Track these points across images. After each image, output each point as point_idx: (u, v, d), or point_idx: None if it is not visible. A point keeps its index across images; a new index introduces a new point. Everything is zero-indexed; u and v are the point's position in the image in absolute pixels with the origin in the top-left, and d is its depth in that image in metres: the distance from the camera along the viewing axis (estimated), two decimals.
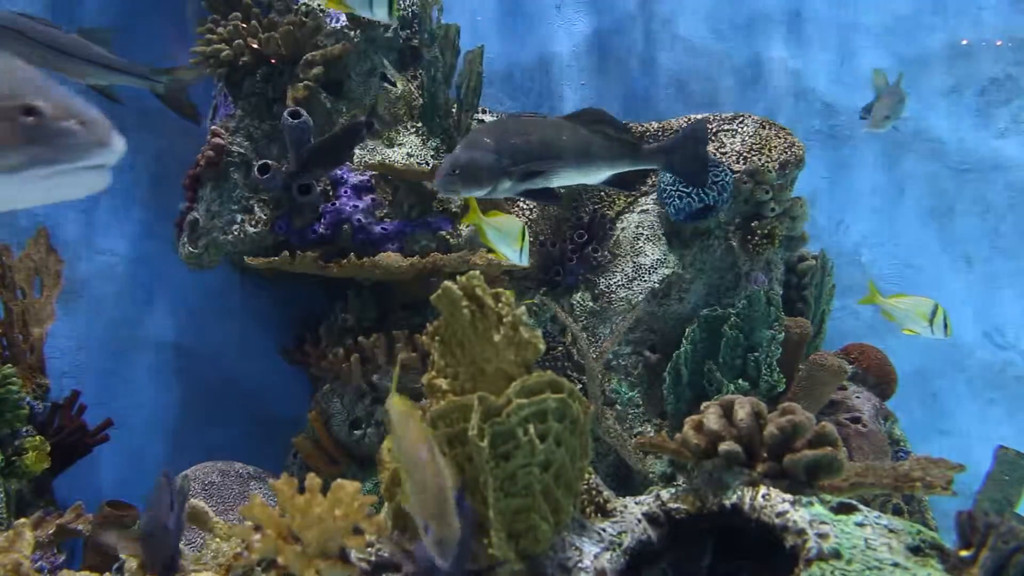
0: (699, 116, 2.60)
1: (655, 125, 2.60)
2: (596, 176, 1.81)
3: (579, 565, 1.18)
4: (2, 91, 0.78)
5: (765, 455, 1.31)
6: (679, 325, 2.40)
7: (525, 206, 2.52)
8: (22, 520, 1.49)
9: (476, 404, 1.09)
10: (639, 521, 1.32)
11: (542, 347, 1.18)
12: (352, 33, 2.37)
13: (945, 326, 2.31)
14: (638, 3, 2.98)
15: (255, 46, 2.27)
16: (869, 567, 1.09)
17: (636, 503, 1.37)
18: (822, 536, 1.15)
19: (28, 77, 0.79)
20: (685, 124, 2.58)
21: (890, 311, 2.34)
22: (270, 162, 2.24)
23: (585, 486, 1.34)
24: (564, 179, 1.79)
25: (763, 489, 1.26)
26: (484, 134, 1.70)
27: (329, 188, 2.32)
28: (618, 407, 2.35)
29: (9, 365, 2.09)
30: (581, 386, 2.22)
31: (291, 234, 2.30)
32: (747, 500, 1.26)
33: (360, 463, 2.34)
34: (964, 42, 2.97)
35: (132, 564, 1.37)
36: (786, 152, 2.47)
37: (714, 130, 2.54)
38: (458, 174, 1.66)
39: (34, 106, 0.78)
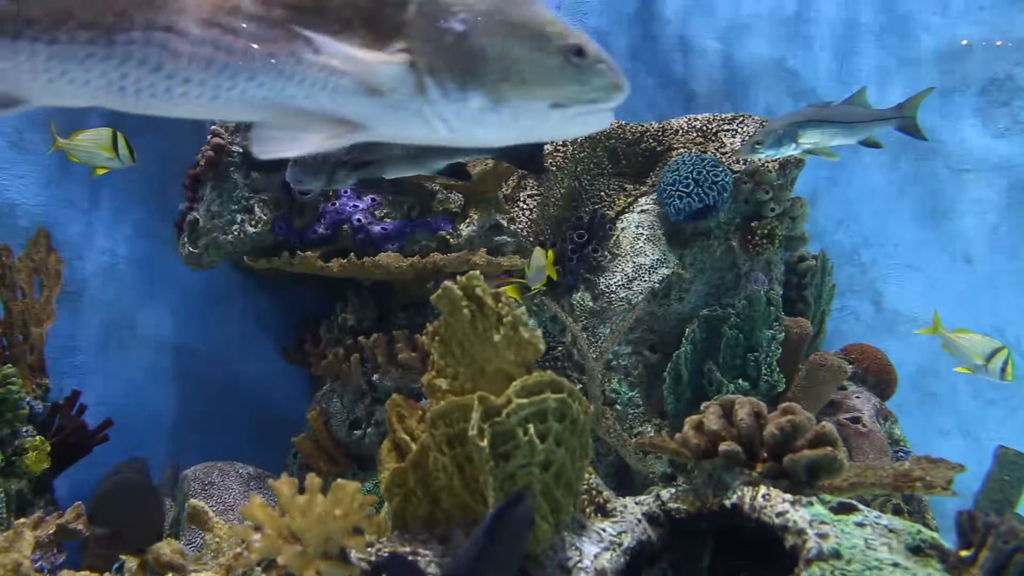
0: (700, 115, 2.60)
1: (655, 125, 2.60)
2: (429, 166, 1.87)
3: (579, 565, 1.18)
4: (557, 30, 0.83)
5: (765, 455, 1.31)
6: (679, 325, 2.40)
7: (525, 206, 2.52)
8: (22, 520, 1.49)
9: (476, 404, 1.09)
10: (639, 521, 1.32)
11: (542, 347, 1.18)
12: None
13: (1004, 369, 2.27)
14: (638, 3, 2.99)
15: None
16: (869, 567, 1.09)
17: (636, 503, 1.37)
18: (822, 536, 1.15)
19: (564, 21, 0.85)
20: (685, 123, 2.58)
21: (951, 345, 2.33)
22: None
23: (585, 486, 1.34)
24: (398, 170, 1.84)
25: (763, 489, 1.26)
26: None
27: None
28: (618, 407, 2.35)
29: (9, 365, 2.09)
30: (581, 386, 2.22)
31: (291, 234, 2.30)
32: (747, 500, 1.26)
33: (360, 463, 2.35)
34: (964, 42, 2.97)
35: (132, 564, 1.37)
36: None
37: (714, 130, 2.54)
38: (299, 167, 1.76)
39: (581, 47, 0.84)
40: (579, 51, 0.84)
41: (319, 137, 0.82)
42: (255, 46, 0.76)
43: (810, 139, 1.99)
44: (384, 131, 0.84)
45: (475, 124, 0.83)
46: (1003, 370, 2.27)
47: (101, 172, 2.17)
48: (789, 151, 2.03)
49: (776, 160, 2.44)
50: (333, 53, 0.75)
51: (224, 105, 0.81)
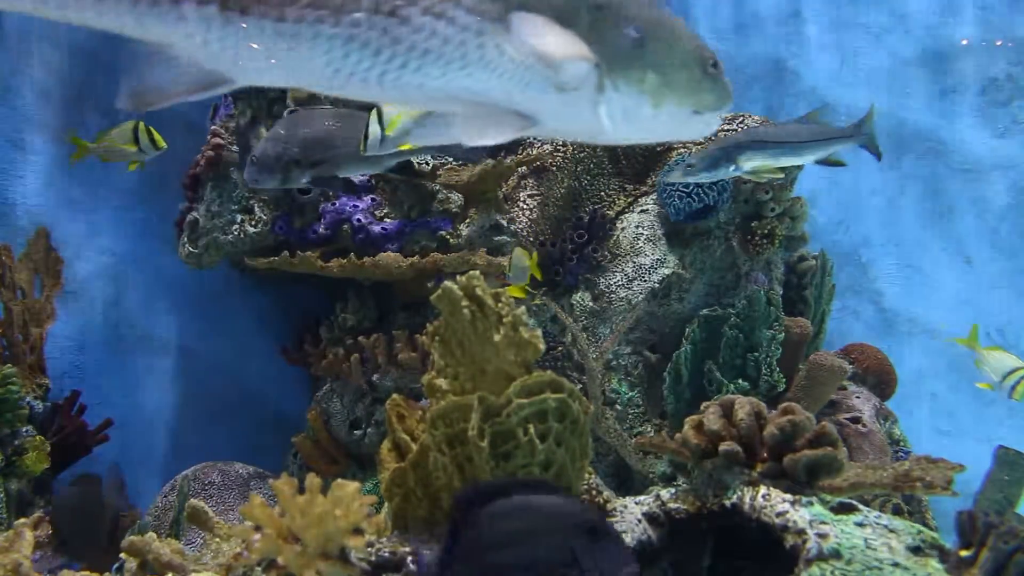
0: None
1: None
2: (381, 164, 1.90)
3: None
4: (700, 43, 0.92)
5: (765, 455, 1.31)
6: (679, 325, 2.39)
7: (525, 206, 2.52)
8: (22, 520, 1.49)
9: (476, 404, 1.09)
10: (639, 521, 1.32)
11: (542, 347, 1.18)
12: None
13: (1015, 388, 2.28)
14: None
15: (255, 46, 2.27)
16: (869, 567, 1.09)
17: (636, 503, 1.37)
18: (822, 536, 1.15)
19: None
20: None
21: (980, 360, 2.35)
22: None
23: (585, 486, 1.34)
24: (351, 168, 1.89)
25: (763, 489, 1.26)
26: (280, 126, 1.81)
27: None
28: (618, 407, 2.35)
29: (9, 365, 2.09)
30: (581, 386, 2.22)
31: (291, 234, 2.30)
32: (747, 500, 1.26)
33: (360, 463, 2.35)
34: (964, 42, 2.97)
35: (132, 564, 1.37)
36: None
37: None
38: (255, 166, 1.78)
39: (716, 60, 0.93)
40: (715, 64, 0.93)
41: (498, 130, 0.87)
42: (470, 37, 0.78)
43: (751, 161, 1.89)
44: (552, 126, 0.89)
45: (634, 124, 0.89)
46: (1014, 388, 2.28)
47: (134, 168, 2.17)
48: (728, 174, 1.93)
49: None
50: (547, 41, 0.78)
51: (426, 93, 0.83)
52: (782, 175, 2.01)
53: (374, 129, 1.73)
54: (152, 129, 2.17)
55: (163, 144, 2.18)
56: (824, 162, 2.01)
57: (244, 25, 0.74)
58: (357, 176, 2.33)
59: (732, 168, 1.89)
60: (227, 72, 0.80)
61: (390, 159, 1.88)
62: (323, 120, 1.86)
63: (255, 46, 0.76)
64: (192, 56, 0.77)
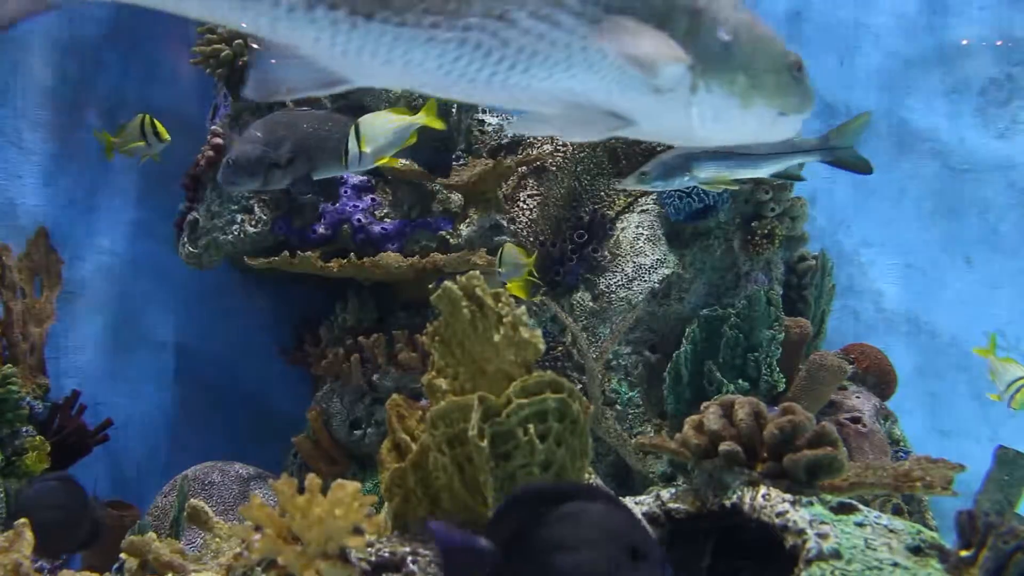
0: None
1: None
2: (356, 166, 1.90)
3: None
4: (784, 47, 0.94)
5: (765, 455, 1.31)
6: (679, 325, 2.39)
7: (525, 206, 2.52)
8: (22, 520, 1.49)
9: (476, 404, 1.09)
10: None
11: (542, 347, 1.18)
12: None
13: (1014, 397, 2.32)
14: None
15: (255, 46, 2.27)
16: (869, 567, 1.09)
17: (636, 503, 1.37)
18: (822, 536, 1.15)
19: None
20: None
21: (992, 370, 2.37)
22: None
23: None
24: (328, 171, 1.89)
25: (763, 489, 1.26)
26: (256, 128, 1.83)
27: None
28: (618, 407, 2.35)
29: (9, 365, 2.09)
30: (581, 386, 2.22)
31: (291, 234, 2.30)
32: (747, 500, 1.26)
33: (360, 463, 2.35)
34: (964, 42, 2.97)
35: (132, 564, 1.37)
36: None
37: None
38: (231, 167, 1.79)
39: (801, 64, 0.95)
40: (800, 67, 0.95)
41: (596, 129, 0.91)
42: (575, 40, 0.80)
43: (704, 172, 1.87)
44: (646, 126, 0.92)
45: (722, 125, 0.92)
46: (1013, 397, 2.31)
47: (145, 159, 2.18)
48: (682, 183, 1.91)
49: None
50: (646, 44, 0.81)
51: (531, 94, 0.85)
52: (737, 187, 2.00)
53: (352, 146, 1.75)
54: (157, 122, 2.18)
55: (166, 136, 2.19)
56: (782, 175, 2.00)
57: (369, 28, 0.77)
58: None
59: (686, 177, 1.88)
60: (344, 72, 0.83)
61: (370, 160, 1.89)
62: (300, 122, 1.88)
63: (379, 49, 0.79)
64: (315, 55, 0.80)
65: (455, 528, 0.96)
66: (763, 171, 1.95)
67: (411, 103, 2.49)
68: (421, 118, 1.82)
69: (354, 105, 2.22)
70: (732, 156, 1.88)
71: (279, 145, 1.81)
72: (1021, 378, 2.31)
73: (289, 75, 0.82)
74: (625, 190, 2.20)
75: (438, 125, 1.88)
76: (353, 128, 1.75)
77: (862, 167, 2.06)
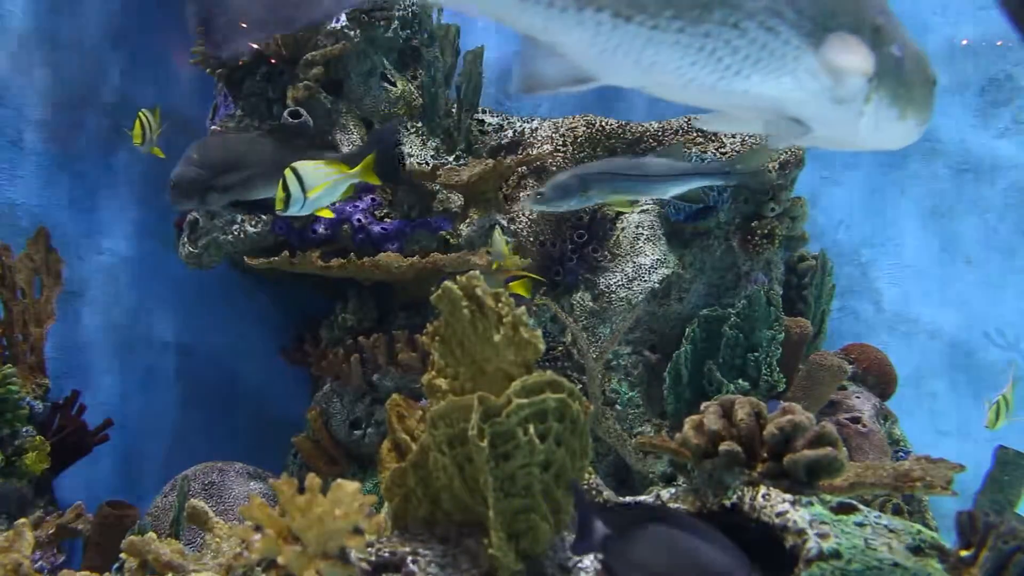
0: (700, 116, 2.59)
1: (655, 125, 2.60)
2: None
3: (579, 565, 1.18)
4: (930, 63, 0.99)
5: (765, 455, 1.31)
6: (679, 325, 2.39)
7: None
8: (22, 520, 1.49)
9: (476, 404, 1.09)
10: None
11: (542, 347, 1.18)
12: (352, 33, 2.37)
13: (997, 418, 2.39)
14: None
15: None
16: (869, 567, 1.09)
17: (636, 503, 1.37)
18: (822, 536, 1.15)
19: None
20: (685, 123, 2.58)
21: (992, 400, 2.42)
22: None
23: (585, 486, 1.34)
24: (260, 192, 1.96)
25: (763, 489, 1.26)
26: (194, 151, 1.91)
27: None
28: (618, 407, 2.35)
29: (9, 365, 2.09)
30: (581, 386, 2.22)
31: (291, 234, 2.30)
32: (747, 500, 1.26)
33: (360, 463, 2.35)
34: (964, 42, 2.97)
35: (132, 564, 1.37)
36: (786, 152, 2.47)
37: (714, 130, 2.54)
38: (174, 189, 1.88)
39: (936, 79, 1.02)
40: (935, 81, 1.01)
41: (788, 134, 0.97)
42: (789, 50, 0.87)
43: (600, 193, 1.89)
44: (817, 132, 0.97)
45: (879, 134, 0.98)
46: (996, 418, 2.38)
47: (156, 152, 2.20)
48: (578, 204, 1.92)
49: (776, 160, 2.44)
50: (847, 56, 0.88)
51: (744, 99, 0.92)
52: (631, 208, 2.01)
53: (295, 190, 1.78)
54: (146, 114, 2.18)
55: (155, 131, 2.20)
56: (682, 199, 2.02)
57: (627, 30, 0.84)
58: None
59: (583, 199, 1.90)
60: (594, 71, 0.90)
61: (309, 206, 1.95)
62: (235, 145, 1.97)
63: (631, 50, 0.86)
64: (573, 54, 0.87)
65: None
66: (662, 194, 1.99)
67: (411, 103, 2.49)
68: (357, 173, 1.85)
69: (289, 128, 2.24)
70: (630, 178, 1.91)
71: (214, 167, 1.90)
72: (998, 399, 2.35)
73: (548, 71, 0.90)
74: (526, 208, 2.22)
75: (375, 181, 1.92)
76: (292, 173, 1.79)
77: (760, 188, 2.21)
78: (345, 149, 2.40)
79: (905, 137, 1.03)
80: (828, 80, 0.89)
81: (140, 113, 2.16)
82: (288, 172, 1.79)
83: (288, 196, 1.77)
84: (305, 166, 1.80)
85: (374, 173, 1.90)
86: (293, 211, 1.81)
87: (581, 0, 0.81)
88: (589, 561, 1.20)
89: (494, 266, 2.15)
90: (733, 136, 2.51)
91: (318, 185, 1.79)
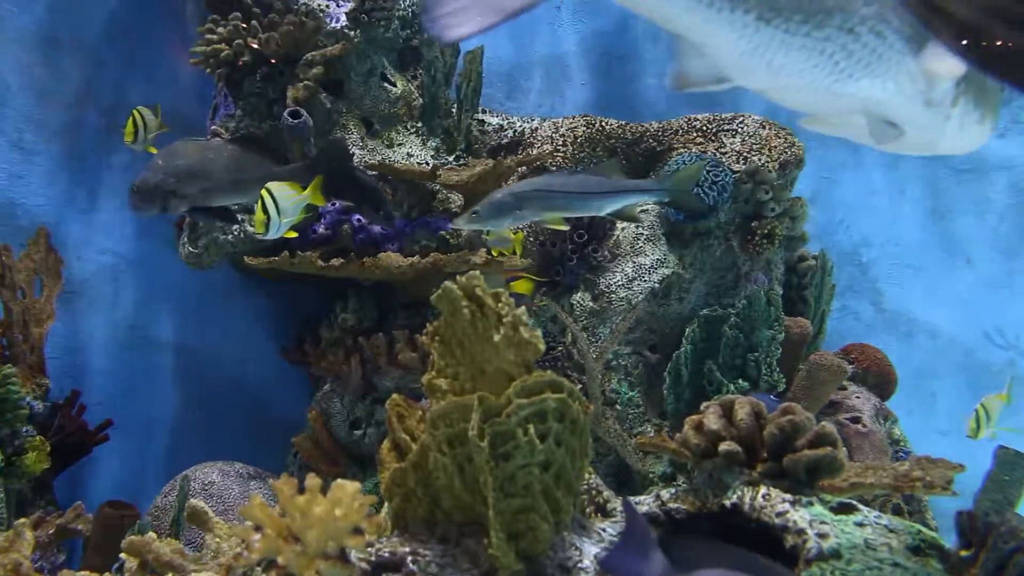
0: (700, 116, 2.60)
1: (655, 125, 2.60)
2: (250, 194, 2.01)
3: (579, 565, 1.18)
4: None
5: (765, 455, 1.31)
6: (679, 325, 2.40)
7: None
8: (22, 520, 1.49)
9: (476, 404, 1.09)
10: None
11: (542, 347, 1.18)
12: (352, 33, 2.37)
13: (978, 428, 2.39)
14: None
15: (255, 46, 2.28)
16: (869, 567, 1.09)
17: (636, 503, 1.37)
18: (822, 536, 1.15)
19: None
20: (685, 123, 2.58)
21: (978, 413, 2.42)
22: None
23: (585, 486, 1.34)
24: (221, 198, 2.01)
25: (763, 489, 1.26)
26: (159, 157, 1.95)
27: None
28: (618, 407, 2.35)
29: (9, 365, 2.09)
30: (581, 386, 2.22)
31: None
32: (747, 500, 1.26)
33: (360, 463, 2.34)
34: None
35: (132, 564, 1.37)
36: (786, 152, 2.47)
37: (714, 130, 2.54)
38: (136, 195, 1.90)
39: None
40: (1003, 88, 1.06)
41: (881, 135, 1.02)
42: (893, 54, 0.92)
43: (534, 211, 1.92)
44: (911, 136, 1.02)
45: (961, 137, 1.03)
46: (978, 428, 2.39)
47: (151, 151, 2.21)
48: (512, 222, 1.94)
49: (776, 160, 2.44)
50: (943, 62, 0.93)
51: (849, 101, 0.97)
52: (566, 227, 2.03)
53: (274, 215, 1.83)
54: (141, 112, 2.17)
55: (138, 119, 2.20)
56: (617, 215, 2.04)
57: (766, 32, 0.90)
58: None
59: (517, 217, 1.92)
60: (730, 72, 0.95)
61: (255, 189, 1.99)
62: (198, 152, 2.00)
63: (767, 51, 0.91)
64: (718, 54, 0.93)
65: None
66: (595, 211, 2.00)
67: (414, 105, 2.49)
68: (309, 196, 1.90)
69: (247, 137, 2.25)
70: (565, 195, 1.93)
71: (177, 174, 1.93)
72: (980, 407, 2.37)
73: (695, 71, 0.97)
74: (459, 228, 2.23)
75: (320, 202, 1.97)
76: (268, 196, 1.84)
77: (695, 209, 2.26)
78: None
79: (980, 140, 1.07)
80: (924, 84, 0.94)
81: (134, 111, 2.16)
82: (265, 194, 1.84)
83: (268, 219, 1.82)
84: (281, 189, 1.85)
85: (321, 195, 1.95)
86: (271, 235, 1.86)
87: (734, 2, 0.87)
88: (589, 561, 1.19)
89: (494, 253, 2.15)
90: (733, 137, 2.51)
91: (289, 211, 1.86)
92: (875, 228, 3.01)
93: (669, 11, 0.90)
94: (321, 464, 2.31)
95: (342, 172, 2.07)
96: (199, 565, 1.33)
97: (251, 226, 2.13)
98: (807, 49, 0.90)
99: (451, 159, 2.49)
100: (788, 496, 1.24)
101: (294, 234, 1.98)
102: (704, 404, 1.41)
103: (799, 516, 1.19)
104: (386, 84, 2.48)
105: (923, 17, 0.80)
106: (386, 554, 1.14)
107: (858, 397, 2.47)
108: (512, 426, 1.08)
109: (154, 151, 2.16)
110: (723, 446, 1.31)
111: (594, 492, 1.35)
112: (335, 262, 2.16)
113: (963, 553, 1.13)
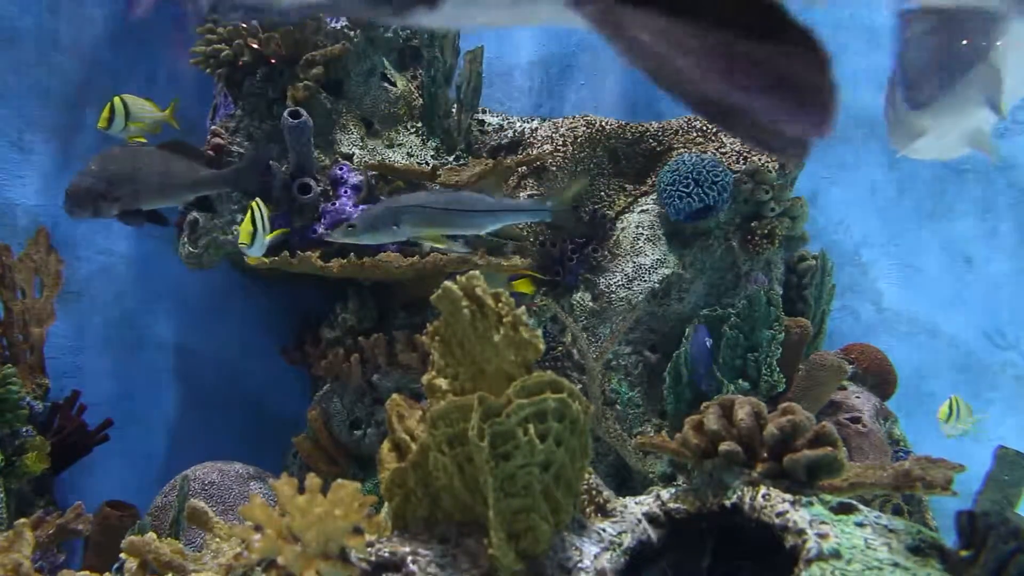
0: (682, 119, 2.59)
1: (655, 125, 2.60)
2: (178, 198, 2.14)
3: (579, 565, 1.18)
4: None
5: (765, 455, 1.31)
6: (679, 325, 2.40)
7: None
8: (22, 520, 1.49)
9: (476, 404, 1.09)
10: (639, 521, 1.32)
11: (542, 347, 1.18)
12: (352, 33, 2.37)
13: (950, 414, 2.44)
14: None
15: (255, 46, 2.28)
16: (869, 567, 1.09)
17: (636, 503, 1.37)
18: (822, 536, 1.15)
19: None
20: (685, 123, 2.58)
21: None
22: (310, 182, 2.27)
23: (585, 486, 1.34)
24: (152, 201, 2.05)
25: (763, 489, 1.26)
26: (92, 162, 1.99)
27: (329, 188, 2.33)
28: (618, 407, 2.35)
29: (9, 365, 2.09)
30: (581, 386, 2.22)
31: (291, 234, 2.30)
32: (747, 500, 1.26)
33: (360, 463, 2.34)
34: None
35: (132, 564, 1.37)
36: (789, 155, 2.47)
37: (714, 130, 2.54)
38: (69, 199, 1.95)
39: None
40: None
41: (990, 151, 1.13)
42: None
43: (412, 227, 1.88)
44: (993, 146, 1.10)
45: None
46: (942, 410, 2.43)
47: (141, 139, 2.23)
48: (391, 237, 1.92)
49: (776, 160, 2.44)
50: None
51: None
52: (445, 244, 2.02)
53: (260, 233, 1.92)
54: (124, 100, 2.18)
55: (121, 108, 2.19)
56: (498, 235, 2.04)
57: None
58: (356, 176, 2.33)
59: (395, 232, 1.91)
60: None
61: (185, 194, 2.11)
62: (129, 157, 2.05)
63: None
64: None
65: None
66: (479, 228, 1.99)
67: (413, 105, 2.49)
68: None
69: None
70: (445, 212, 1.92)
71: (108, 178, 1.98)
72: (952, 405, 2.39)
73: None
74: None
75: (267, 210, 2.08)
76: (258, 210, 1.92)
77: (571, 227, 2.27)
78: (344, 149, 2.40)
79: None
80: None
81: (115, 98, 2.17)
82: (254, 207, 1.91)
83: (255, 233, 1.86)
84: (263, 204, 1.95)
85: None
86: (254, 251, 1.93)
87: None
88: (589, 561, 1.19)
89: (514, 283, 2.16)
90: (732, 139, 2.51)
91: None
92: (875, 228, 3.01)
93: None
94: (321, 464, 2.31)
95: (264, 181, 2.18)
96: (199, 565, 1.33)
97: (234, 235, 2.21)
98: None
99: (451, 159, 2.49)
100: (788, 496, 1.24)
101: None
102: (704, 404, 1.41)
103: (799, 516, 1.19)
104: (386, 84, 2.48)
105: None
106: (386, 554, 1.14)
107: (858, 397, 2.47)
108: (512, 426, 1.08)
109: (143, 140, 2.18)
110: (723, 446, 1.31)
111: (594, 492, 1.35)
112: (335, 262, 2.16)
113: (963, 553, 1.13)
